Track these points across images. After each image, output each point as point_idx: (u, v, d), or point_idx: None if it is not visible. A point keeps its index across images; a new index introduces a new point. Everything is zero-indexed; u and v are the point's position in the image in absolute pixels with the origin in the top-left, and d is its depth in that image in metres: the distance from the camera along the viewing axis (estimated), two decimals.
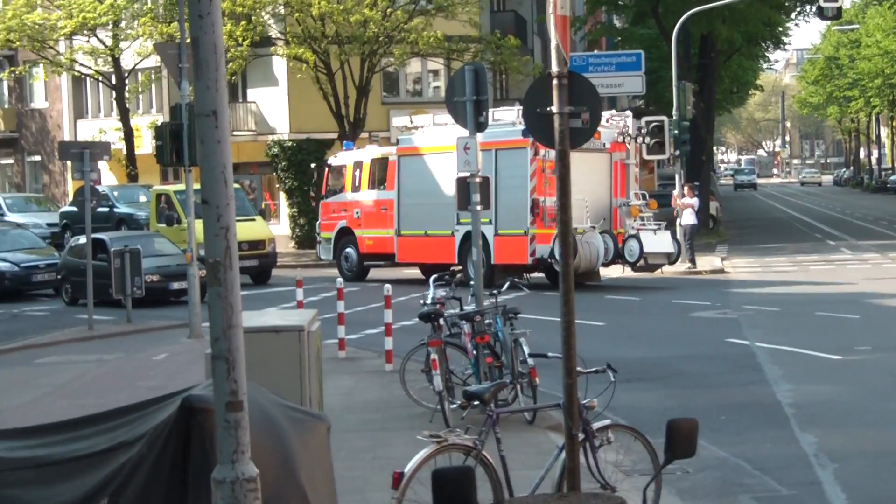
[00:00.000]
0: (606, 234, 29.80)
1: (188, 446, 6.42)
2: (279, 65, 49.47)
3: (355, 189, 35.08)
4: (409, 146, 33.55)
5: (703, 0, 43.87)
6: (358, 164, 35.21)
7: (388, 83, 52.72)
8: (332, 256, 35.77)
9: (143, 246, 27.86)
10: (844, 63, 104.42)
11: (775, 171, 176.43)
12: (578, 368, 9.09)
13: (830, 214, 68.56)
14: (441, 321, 14.70)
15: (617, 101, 64.47)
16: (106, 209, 40.18)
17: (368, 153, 35.66)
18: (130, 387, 17.54)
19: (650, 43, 56.54)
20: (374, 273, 35.16)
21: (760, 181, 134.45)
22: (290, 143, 48.95)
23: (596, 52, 55.95)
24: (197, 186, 21.85)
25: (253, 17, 45.36)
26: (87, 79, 54.24)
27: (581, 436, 8.99)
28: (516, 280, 16.25)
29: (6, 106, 62.12)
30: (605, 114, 29.43)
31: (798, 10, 61.16)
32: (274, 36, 47.75)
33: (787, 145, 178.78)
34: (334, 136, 45.33)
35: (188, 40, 17.82)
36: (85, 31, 47.92)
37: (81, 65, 50.40)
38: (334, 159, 37.18)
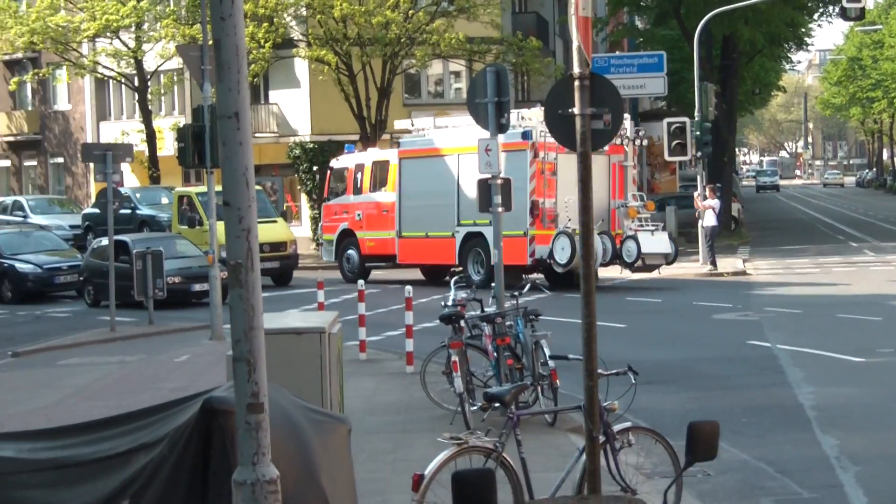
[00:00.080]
0: (605, 235, 30.05)
1: (209, 448, 6.44)
2: (301, 67, 49.56)
3: (357, 191, 35.58)
4: (409, 149, 34.13)
5: (726, 1, 43.75)
6: (359, 167, 35.73)
7: (409, 85, 52.76)
8: (333, 258, 36.19)
9: (165, 248, 27.95)
10: (867, 64, 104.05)
11: (798, 172, 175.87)
12: (599, 370, 9.08)
13: (853, 216, 68.30)
14: (462, 323, 14.70)
15: (639, 102, 64.40)
16: (128, 211, 40.31)
17: (370, 156, 36.40)
18: (152, 388, 17.60)
19: (672, 44, 56.39)
20: (374, 274, 35.48)
21: (783, 182, 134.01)
22: (311, 145, 48.99)
23: (618, 53, 55.83)
24: (219, 188, 21.91)
25: (275, 19, 45.47)
26: (110, 81, 54.43)
27: (602, 438, 8.98)
28: (536, 281, 16.25)
29: (30, 108, 62.38)
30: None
31: (821, 10, 60.87)
32: (296, 38, 47.83)
33: (809, 146, 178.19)
34: (356, 137, 45.35)
35: (210, 42, 17.87)
36: (108, 34, 48.10)
37: (104, 67, 50.56)
38: (336, 162, 37.63)
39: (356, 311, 20.23)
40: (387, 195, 34.46)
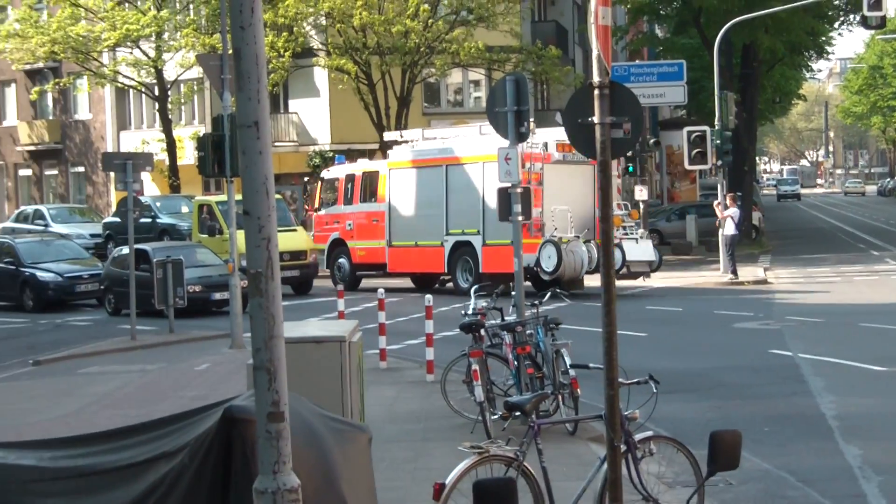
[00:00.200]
0: (590, 243, 30.45)
1: (230, 457, 6.43)
2: (321, 76, 49.66)
3: (347, 202, 36.07)
4: (399, 159, 34.77)
5: (746, 9, 43.67)
6: (350, 178, 36.25)
7: (429, 94, 52.81)
8: (325, 266, 36.57)
9: (186, 256, 27.98)
10: (888, 72, 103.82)
11: (819, 181, 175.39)
12: (620, 379, 9.05)
13: (874, 225, 68.03)
14: (482, 332, 14.67)
15: (659, 111, 64.33)
16: (148, 220, 40.41)
17: (360, 166, 37.02)
18: (172, 397, 17.61)
19: (692, 53, 56.36)
20: (365, 282, 35.90)
21: (804, 191, 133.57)
22: (331, 154, 49.06)
23: (637, 61, 55.79)
24: (239, 197, 21.91)
25: (294, 29, 45.57)
26: (131, 90, 54.62)
27: (623, 447, 8.95)
28: (559, 291, 16.22)
29: (50, 117, 62.65)
30: None
31: (841, 19, 60.71)
32: (315, 47, 47.94)
33: (830, 155, 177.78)
34: (375, 146, 45.44)
35: (230, 51, 17.90)
36: (128, 43, 48.28)
37: (125, 76, 50.76)
38: (327, 173, 38.19)
39: (376, 320, 20.22)
40: (377, 205, 34.94)
